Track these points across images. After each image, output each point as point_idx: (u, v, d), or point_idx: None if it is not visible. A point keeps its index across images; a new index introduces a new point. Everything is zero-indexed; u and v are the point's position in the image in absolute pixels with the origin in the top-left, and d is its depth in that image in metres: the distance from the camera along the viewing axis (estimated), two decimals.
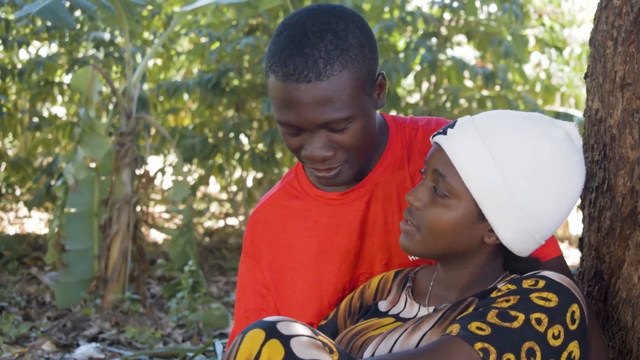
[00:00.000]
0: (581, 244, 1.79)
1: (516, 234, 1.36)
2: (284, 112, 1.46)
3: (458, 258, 1.42)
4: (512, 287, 1.33)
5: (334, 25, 1.43)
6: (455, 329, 1.28)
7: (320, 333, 1.26)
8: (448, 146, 1.36)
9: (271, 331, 1.21)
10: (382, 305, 1.54)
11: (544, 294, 1.30)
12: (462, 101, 5.78)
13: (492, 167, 1.32)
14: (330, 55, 1.41)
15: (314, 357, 1.19)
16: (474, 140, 1.34)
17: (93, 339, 3.61)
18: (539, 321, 1.27)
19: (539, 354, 1.26)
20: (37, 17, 3.47)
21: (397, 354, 1.29)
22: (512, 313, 1.28)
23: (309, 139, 1.48)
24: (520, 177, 1.33)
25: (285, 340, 1.20)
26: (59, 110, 7.22)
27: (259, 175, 6.94)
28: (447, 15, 5.67)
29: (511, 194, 1.33)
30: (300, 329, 1.23)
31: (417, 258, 1.63)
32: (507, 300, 1.30)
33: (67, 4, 3.68)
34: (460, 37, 6.13)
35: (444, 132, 1.39)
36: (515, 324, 1.27)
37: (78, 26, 5.62)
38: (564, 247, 6.45)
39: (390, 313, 1.51)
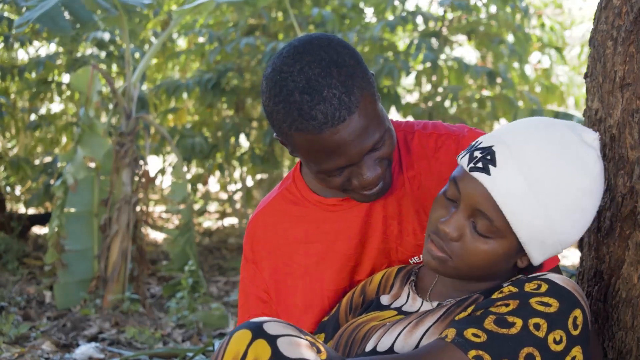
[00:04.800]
0: (581, 244, 1.79)
1: (547, 256, 1.38)
2: (328, 160, 1.43)
3: (485, 276, 1.43)
4: (514, 289, 1.33)
5: (329, 58, 1.40)
6: (450, 333, 1.28)
7: (308, 333, 1.26)
8: (496, 191, 1.32)
9: (257, 331, 1.21)
10: (385, 299, 1.54)
11: (545, 299, 1.30)
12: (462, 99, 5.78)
13: (539, 211, 1.31)
14: (347, 86, 1.38)
15: (302, 356, 1.18)
16: (520, 185, 1.31)
17: (93, 339, 3.61)
18: (537, 326, 1.27)
19: (539, 359, 1.26)
20: (37, 24, 3.50)
21: (391, 356, 1.29)
22: (510, 319, 1.28)
23: (356, 169, 1.46)
24: (564, 215, 1.33)
25: (272, 340, 1.20)
26: (58, 108, 7.21)
27: (260, 175, 6.94)
28: (448, 15, 5.67)
29: (553, 231, 1.33)
30: (287, 329, 1.23)
31: (419, 261, 1.63)
32: (507, 305, 1.30)
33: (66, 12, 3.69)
34: (461, 37, 6.13)
35: (485, 169, 1.33)
36: (513, 330, 1.27)
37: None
38: None
39: (392, 306, 1.51)
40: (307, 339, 1.22)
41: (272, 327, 1.22)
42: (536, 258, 1.37)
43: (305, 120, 1.38)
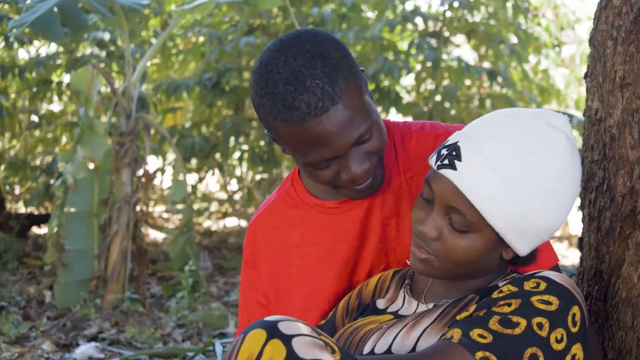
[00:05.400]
0: (581, 243, 1.79)
1: (532, 245, 1.38)
2: (313, 151, 1.43)
3: (472, 273, 1.43)
4: (514, 288, 1.33)
5: (314, 50, 1.41)
6: (456, 334, 1.28)
7: (323, 333, 1.26)
8: (464, 185, 1.33)
9: (273, 331, 1.20)
10: (380, 303, 1.54)
11: (545, 297, 1.30)
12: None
13: (511, 200, 1.32)
14: (331, 77, 1.39)
15: (316, 357, 1.18)
16: (487, 176, 1.32)
17: (93, 338, 3.62)
18: (540, 326, 1.28)
19: (542, 359, 1.26)
20: (31, 29, 3.48)
21: (397, 356, 1.29)
22: (514, 319, 1.28)
23: (343, 162, 1.46)
24: (537, 202, 1.33)
25: (287, 340, 1.19)
26: (57, 107, 7.21)
27: (260, 174, 6.94)
28: (447, 14, 5.67)
29: (530, 219, 1.33)
30: (302, 328, 1.22)
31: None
32: (509, 304, 1.31)
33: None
34: (460, 37, 6.12)
35: (452, 165, 1.34)
36: (517, 330, 1.27)
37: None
38: (563, 247, 6.45)
39: (388, 310, 1.51)
40: (321, 339, 1.21)
41: (287, 326, 1.21)
42: (520, 249, 1.37)
43: (289, 110, 1.39)
